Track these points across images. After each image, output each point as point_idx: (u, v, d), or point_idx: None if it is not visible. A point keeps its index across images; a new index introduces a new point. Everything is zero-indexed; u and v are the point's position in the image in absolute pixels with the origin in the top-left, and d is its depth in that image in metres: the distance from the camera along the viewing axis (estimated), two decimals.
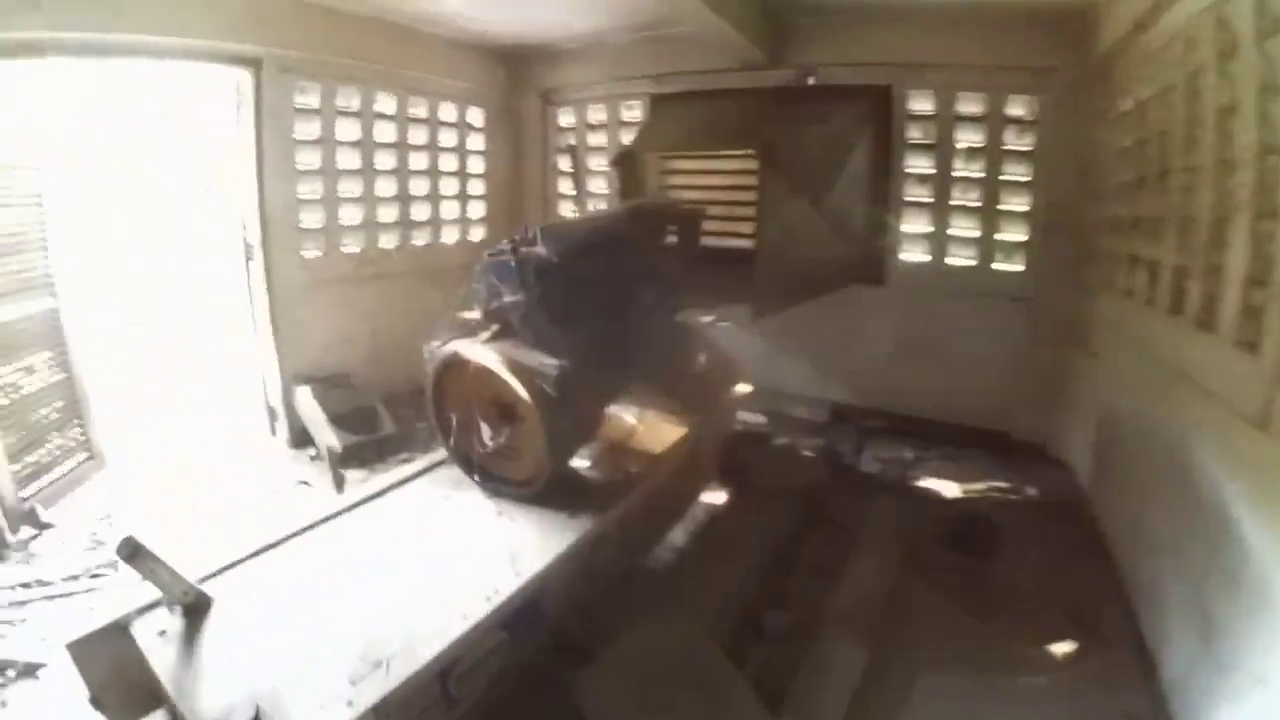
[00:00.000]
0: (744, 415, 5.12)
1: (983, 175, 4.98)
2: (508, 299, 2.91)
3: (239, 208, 4.86)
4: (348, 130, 5.32)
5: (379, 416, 5.08)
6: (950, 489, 4.51)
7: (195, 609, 2.20)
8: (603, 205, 6.40)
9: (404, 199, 5.88)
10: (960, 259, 5.19)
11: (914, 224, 5.29)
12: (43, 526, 3.88)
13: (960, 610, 3.17)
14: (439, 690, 2.14)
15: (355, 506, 2.93)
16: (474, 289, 3.05)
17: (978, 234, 5.08)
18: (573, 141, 6.68)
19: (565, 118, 6.81)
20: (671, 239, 4.00)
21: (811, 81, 5.33)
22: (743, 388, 4.41)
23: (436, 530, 2.77)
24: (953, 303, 5.17)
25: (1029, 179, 4.86)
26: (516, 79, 6.74)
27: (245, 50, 4.50)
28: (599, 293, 3.21)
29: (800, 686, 2.67)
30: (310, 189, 5.12)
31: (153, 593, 2.18)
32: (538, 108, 6.82)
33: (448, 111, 6.22)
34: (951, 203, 5.12)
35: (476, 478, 3.06)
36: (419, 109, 5.91)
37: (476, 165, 6.63)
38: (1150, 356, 3.28)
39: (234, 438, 5.21)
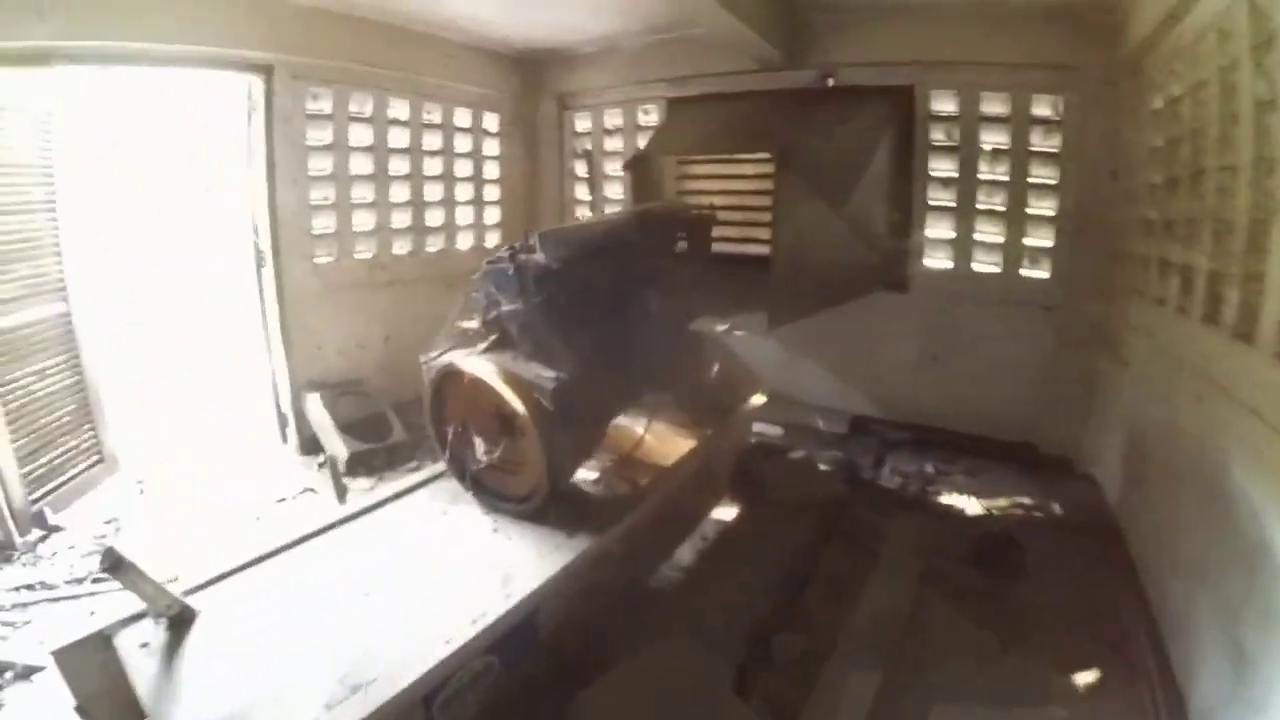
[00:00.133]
0: (759, 426, 5.00)
1: (1008, 178, 4.80)
2: (506, 307, 2.83)
3: (251, 213, 4.86)
4: (360, 135, 5.30)
5: (389, 423, 5.06)
6: (973, 505, 4.32)
7: (179, 622, 2.18)
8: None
9: (418, 205, 5.85)
10: (985, 265, 5.00)
11: (937, 229, 5.11)
12: (51, 529, 3.89)
13: (981, 634, 3.01)
14: (422, 715, 2.07)
15: (351, 519, 2.89)
16: (473, 297, 2.98)
17: (1003, 239, 4.89)
18: (589, 146, 6.63)
19: (581, 122, 6.75)
20: (682, 244, 3.88)
21: (831, 83, 5.20)
22: (758, 398, 4.29)
23: (430, 546, 2.70)
24: (977, 310, 4.99)
25: (1056, 181, 4.66)
26: (532, 83, 6.69)
27: (256, 56, 4.51)
28: (603, 300, 3.08)
29: (810, 713, 2.55)
30: (323, 195, 5.11)
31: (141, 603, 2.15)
32: (553, 112, 6.77)
33: (462, 117, 6.18)
34: (976, 206, 4.94)
35: (473, 493, 2.98)
36: (433, 114, 5.87)
37: (491, 170, 6.58)
38: (1184, 367, 3.09)
39: (243, 444, 5.21)
